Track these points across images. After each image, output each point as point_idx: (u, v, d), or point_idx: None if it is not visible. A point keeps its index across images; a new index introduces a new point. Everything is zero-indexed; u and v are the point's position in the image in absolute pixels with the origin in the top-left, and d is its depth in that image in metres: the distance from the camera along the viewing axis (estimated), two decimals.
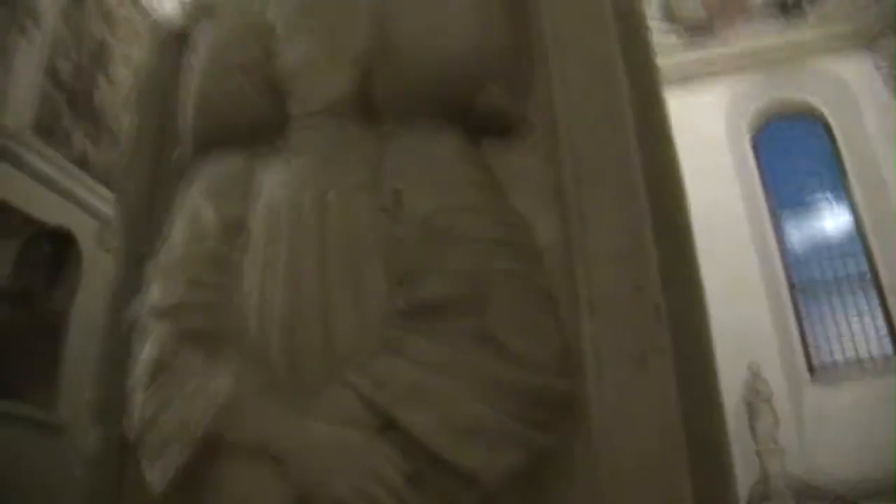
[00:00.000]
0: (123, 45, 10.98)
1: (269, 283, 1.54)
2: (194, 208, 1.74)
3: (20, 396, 8.30)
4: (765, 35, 13.18)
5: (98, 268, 9.03)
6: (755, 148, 12.75)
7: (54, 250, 9.11)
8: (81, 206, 9.41)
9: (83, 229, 9.35)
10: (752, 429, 10.01)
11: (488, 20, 1.74)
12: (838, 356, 11.30)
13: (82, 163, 9.69)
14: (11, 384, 8.27)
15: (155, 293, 1.66)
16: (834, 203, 12.60)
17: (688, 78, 12.32)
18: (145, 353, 1.61)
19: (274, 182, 1.67)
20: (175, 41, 2.20)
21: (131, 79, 10.81)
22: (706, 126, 11.91)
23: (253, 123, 1.85)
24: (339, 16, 1.82)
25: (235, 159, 1.80)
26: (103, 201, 9.54)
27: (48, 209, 8.87)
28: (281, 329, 1.50)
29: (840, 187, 12.50)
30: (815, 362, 11.21)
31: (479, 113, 1.68)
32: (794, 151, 12.79)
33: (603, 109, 1.66)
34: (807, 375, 10.99)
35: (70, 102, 9.78)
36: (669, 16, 13.77)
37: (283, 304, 1.51)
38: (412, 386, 1.39)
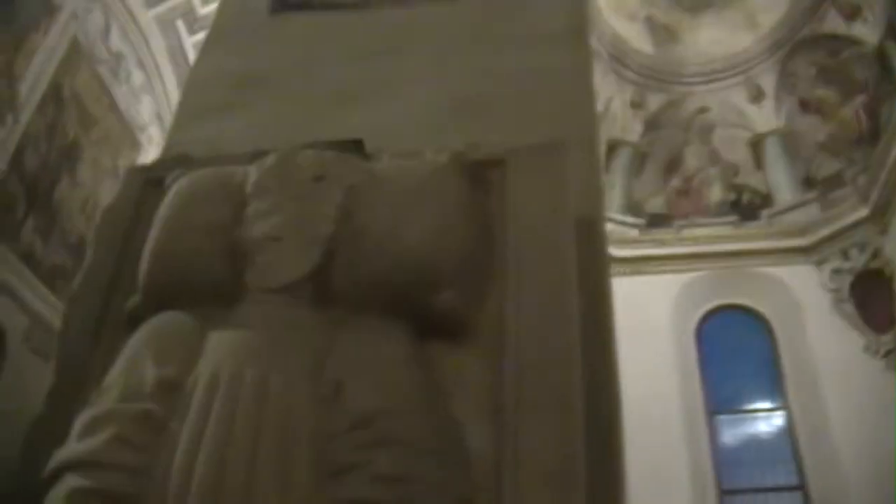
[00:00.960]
0: (95, 147, 11.05)
1: (197, 454, 1.51)
2: (135, 363, 1.71)
3: None
4: (719, 235, 13.66)
5: (22, 366, 8.78)
6: (698, 344, 12.96)
7: None
8: (16, 301, 9.21)
9: (14, 324, 9.12)
10: None
11: (452, 225, 1.80)
12: None
13: (27, 257, 9.55)
14: None
15: (77, 444, 1.61)
16: (770, 409, 12.72)
17: (643, 268, 12.66)
18: None
19: (219, 352, 1.66)
20: (147, 185, 2.22)
21: (95, 183, 10.84)
22: (653, 317, 12.14)
23: (210, 285, 1.86)
24: (312, 197, 1.87)
25: (184, 318, 1.79)
26: (40, 299, 9.37)
27: None
28: (200, 503, 1.46)
29: (776, 393, 12.67)
30: None
31: (430, 313, 1.71)
32: (735, 351, 13.00)
33: (552, 333, 1.70)
34: None
35: (28, 195, 9.73)
36: (632, 208, 14.25)
37: (207, 481, 1.47)
38: None
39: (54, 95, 10.25)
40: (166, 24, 12.35)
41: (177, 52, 12.42)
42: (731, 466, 12.11)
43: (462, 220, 1.82)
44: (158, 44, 12.35)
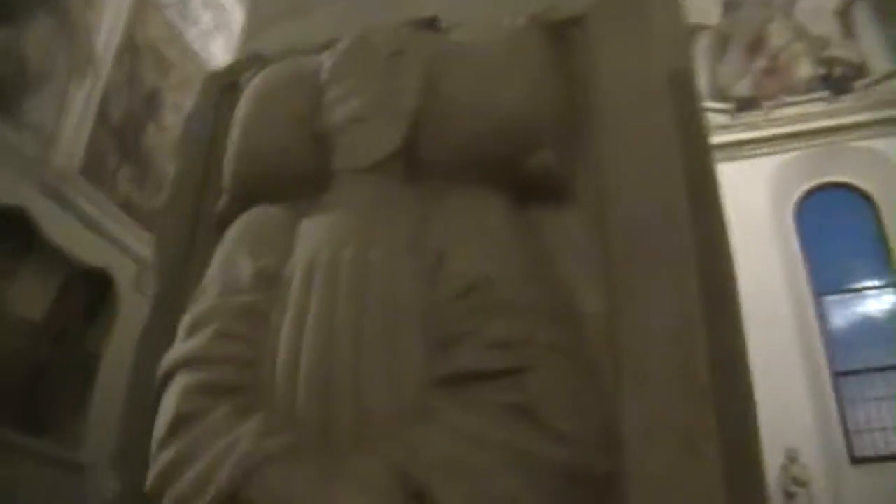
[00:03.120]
0: (175, 92, 11.21)
1: (302, 339, 1.49)
2: (231, 259, 1.70)
3: (48, 434, 8.33)
4: (811, 112, 13.14)
5: (135, 311, 9.10)
6: (799, 227, 12.60)
7: (93, 291, 9.20)
8: (122, 248, 9.55)
9: (122, 272, 9.46)
10: None
11: (541, 86, 1.71)
12: (880, 444, 10.97)
13: (126, 206, 9.86)
14: (41, 422, 8.31)
15: (184, 344, 1.62)
16: (879, 287, 12.36)
17: (735, 154, 12.29)
18: (170, 404, 1.56)
19: (314, 237, 1.63)
20: (224, 90, 2.20)
21: (180, 126, 11.02)
22: (750, 202, 11.82)
23: (296, 176, 1.83)
24: (390, 73, 1.80)
25: (276, 211, 1.77)
26: (144, 245, 9.66)
27: (90, 250, 8.99)
28: (311, 389, 1.45)
29: (885, 271, 12.28)
30: (856, 450, 10.89)
31: (527, 176, 1.64)
32: (838, 231, 12.62)
33: (656, 185, 1.62)
34: (847, 462, 10.66)
35: (118, 146, 9.98)
36: (719, 93, 13.81)
37: (315, 363, 1.45)
38: (447, 459, 1.32)
39: (129, 46, 10.40)
40: None
41: None
42: (842, 347, 11.86)
43: (548, 79, 1.73)
44: None
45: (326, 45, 2.02)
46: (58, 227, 8.49)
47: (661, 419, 1.41)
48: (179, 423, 1.51)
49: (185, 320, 1.66)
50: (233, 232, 1.78)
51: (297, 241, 1.65)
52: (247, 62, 2.21)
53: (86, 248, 8.95)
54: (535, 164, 1.63)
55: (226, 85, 2.20)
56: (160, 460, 1.52)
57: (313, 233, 1.64)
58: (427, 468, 1.32)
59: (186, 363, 1.58)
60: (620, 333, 1.49)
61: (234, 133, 1.95)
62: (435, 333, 1.45)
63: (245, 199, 1.86)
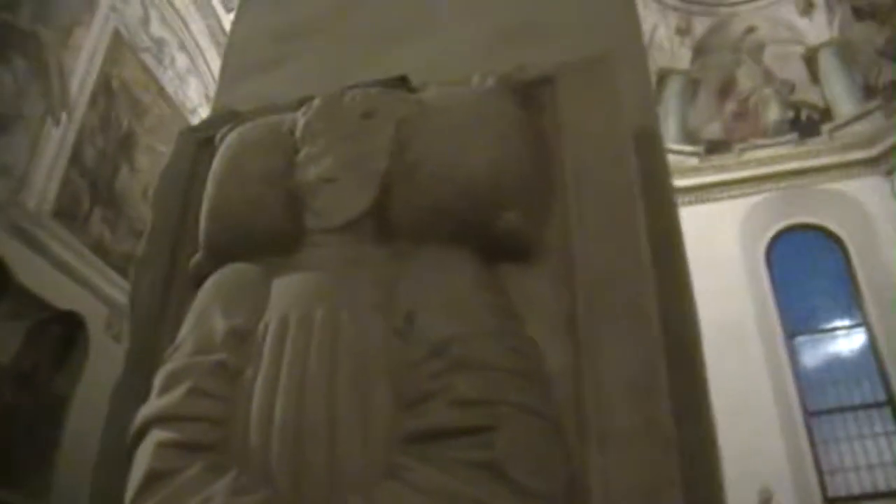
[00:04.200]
0: (149, 135, 11.25)
1: (275, 397, 1.52)
2: (204, 317, 1.73)
3: (15, 482, 8.20)
4: (781, 155, 13.37)
5: (105, 354, 9.05)
6: (769, 268, 12.76)
7: (63, 334, 9.12)
8: (93, 291, 9.50)
9: (93, 315, 9.41)
10: None
11: (510, 147, 1.76)
12: (854, 486, 11.04)
13: (98, 248, 9.83)
14: (8, 469, 8.18)
15: (158, 400, 1.64)
16: (849, 326, 12.51)
17: (705, 196, 12.47)
18: (143, 460, 1.57)
19: (287, 296, 1.66)
20: (200, 144, 2.23)
21: (153, 168, 11.03)
22: (721, 243, 11.99)
23: (269, 234, 1.86)
24: (363, 134, 1.85)
25: (248, 269, 1.80)
26: (115, 288, 9.64)
27: (61, 293, 8.93)
28: (283, 444, 1.47)
29: (855, 310, 12.45)
30: (829, 490, 10.94)
31: (496, 237, 1.68)
32: (808, 271, 12.80)
33: (619, 242, 1.66)
34: (820, 502, 10.71)
35: (91, 188, 9.97)
36: (689, 136, 14.03)
37: (288, 422, 1.48)
38: None
39: (104, 88, 10.44)
40: (203, 5, 12.47)
41: (216, 30, 12.54)
42: (815, 387, 11.97)
43: (517, 140, 1.78)
44: (198, 25, 12.48)
45: (301, 102, 2.06)
46: (29, 270, 8.44)
47: (624, 473, 1.44)
48: (153, 480, 1.52)
49: (159, 377, 1.68)
50: (206, 289, 1.81)
51: (270, 300, 1.68)
52: (221, 118, 2.25)
53: (57, 291, 8.89)
54: (503, 226, 1.67)
55: (201, 139, 2.23)
56: None
57: (285, 292, 1.67)
58: None
59: (159, 420, 1.60)
60: (584, 390, 1.52)
61: (209, 190, 1.98)
62: (405, 392, 1.48)
63: (219, 255, 1.89)
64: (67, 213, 9.40)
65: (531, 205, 1.73)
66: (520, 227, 1.68)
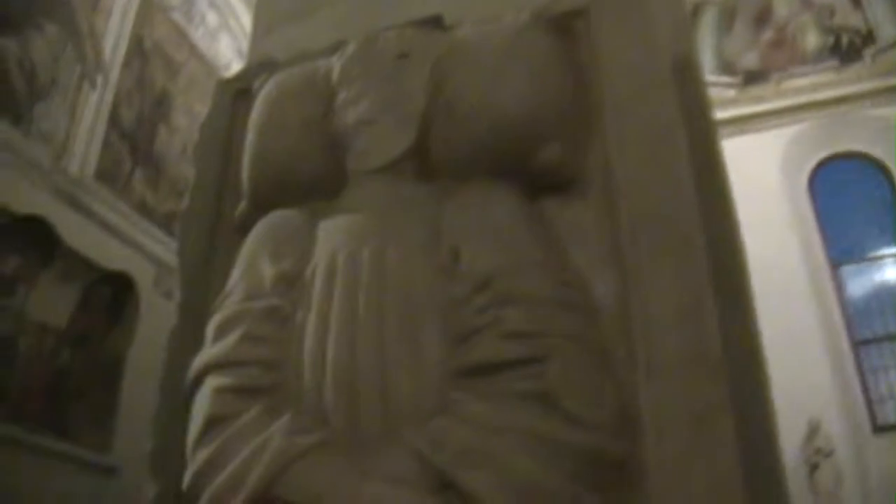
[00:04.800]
0: (184, 94, 11.28)
1: (326, 339, 1.55)
2: (252, 263, 1.76)
3: (76, 438, 8.44)
4: (821, 82, 13.06)
5: (155, 311, 9.21)
6: (812, 197, 12.55)
7: (114, 294, 9.29)
8: (140, 250, 9.63)
9: (142, 274, 9.55)
10: (813, 486, 9.71)
11: (546, 80, 1.75)
12: None
13: (142, 208, 9.94)
14: (68, 426, 8.41)
15: (212, 348, 1.68)
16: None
17: (744, 127, 12.25)
18: (202, 407, 1.62)
19: (332, 238, 1.68)
20: (237, 95, 2.25)
21: (190, 127, 11.10)
22: (762, 175, 11.78)
23: (311, 179, 1.88)
24: (399, 75, 1.85)
25: (294, 214, 1.82)
26: (161, 246, 9.76)
27: (108, 254, 9.08)
28: (337, 386, 1.50)
29: None
30: (879, 418, 10.88)
31: (536, 170, 1.68)
32: (852, 199, 12.56)
33: (662, 172, 1.65)
34: (870, 431, 10.65)
35: (131, 149, 10.06)
36: (726, 67, 13.75)
37: (340, 361, 1.51)
38: (469, 447, 1.37)
39: (137, 49, 10.45)
40: None
41: None
42: (861, 317, 11.83)
43: (553, 72, 1.77)
44: None
45: (335, 48, 2.06)
46: (76, 234, 8.57)
47: (674, 401, 1.45)
48: (212, 425, 1.57)
49: (212, 325, 1.72)
50: (253, 236, 1.84)
51: (316, 243, 1.71)
52: (258, 68, 2.26)
53: (105, 253, 9.03)
54: (543, 158, 1.67)
55: (238, 90, 2.25)
56: (196, 460, 1.58)
57: (331, 234, 1.70)
58: (452, 458, 1.37)
59: (215, 366, 1.64)
60: (632, 319, 1.53)
61: (249, 139, 2.00)
62: (454, 327, 1.50)
63: (263, 203, 1.91)
64: (110, 175, 9.50)
65: (570, 137, 1.73)
66: (559, 159, 1.68)
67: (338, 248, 1.64)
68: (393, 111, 1.80)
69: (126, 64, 10.18)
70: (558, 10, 1.89)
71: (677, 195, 1.64)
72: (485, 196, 1.66)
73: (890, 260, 12.38)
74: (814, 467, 9.90)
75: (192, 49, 11.69)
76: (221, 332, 1.68)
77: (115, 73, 9.91)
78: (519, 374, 1.42)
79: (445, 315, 1.52)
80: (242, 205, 1.98)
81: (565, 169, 1.70)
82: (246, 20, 12.44)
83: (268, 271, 1.71)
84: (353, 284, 1.57)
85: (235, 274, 1.79)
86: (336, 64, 1.97)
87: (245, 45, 12.07)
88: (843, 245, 12.33)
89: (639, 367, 1.50)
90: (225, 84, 2.37)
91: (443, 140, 1.76)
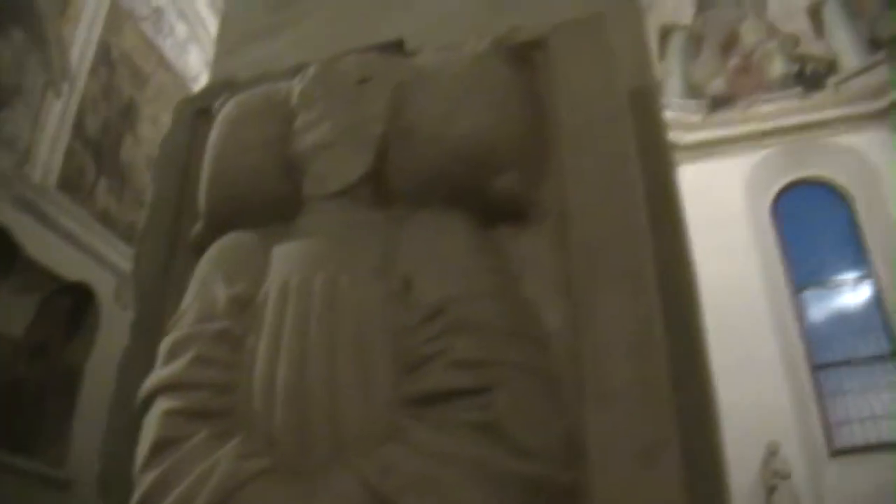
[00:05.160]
0: (151, 104, 11.23)
1: (277, 363, 1.54)
2: (206, 285, 1.75)
3: (31, 451, 8.31)
4: (785, 109, 13.28)
5: (115, 323, 9.12)
6: (775, 222, 12.74)
7: (73, 305, 9.19)
8: (101, 261, 9.56)
9: (102, 285, 9.47)
10: None
11: (504, 110, 1.76)
12: (859, 436, 11.11)
13: (104, 218, 9.86)
14: (23, 438, 8.29)
15: (163, 370, 1.67)
16: (855, 279, 12.50)
17: (710, 151, 12.42)
18: (151, 428, 1.61)
19: (286, 263, 1.68)
20: (198, 114, 2.24)
21: (157, 138, 11.04)
22: (727, 199, 11.96)
23: (268, 202, 1.88)
24: (359, 99, 1.86)
25: (249, 237, 1.82)
26: (123, 257, 9.68)
27: (69, 264, 8.98)
28: (287, 409, 1.50)
29: (861, 262, 12.43)
30: (836, 442, 11.02)
31: (492, 199, 1.69)
32: (814, 225, 12.76)
33: (615, 203, 1.67)
34: (826, 455, 10.79)
35: (96, 158, 9.98)
36: (693, 92, 13.93)
37: (290, 386, 1.51)
38: (416, 475, 1.38)
39: (104, 58, 10.40)
40: None
41: None
42: (821, 341, 12.00)
43: (511, 102, 1.79)
44: None
45: (297, 70, 2.07)
46: (37, 243, 8.48)
47: (621, 432, 1.46)
48: (161, 447, 1.56)
49: (164, 346, 1.71)
50: (207, 258, 1.83)
51: (270, 267, 1.70)
52: (219, 87, 2.26)
53: (65, 263, 8.95)
54: (500, 188, 1.68)
55: (199, 109, 2.24)
56: (143, 483, 1.56)
57: (285, 258, 1.69)
58: (399, 486, 1.37)
59: (166, 388, 1.63)
60: (582, 349, 1.54)
61: (207, 159, 1.99)
62: (404, 355, 1.50)
63: (219, 224, 1.91)
64: (72, 184, 9.42)
65: (526, 167, 1.74)
66: (515, 188, 1.69)
67: (291, 273, 1.64)
68: (351, 135, 1.81)
69: (92, 72, 10.13)
70: (518, 40, 1.91)
71: (629, 226, 1.66)
72: (439, 224, 1.67)
73: (850, 285, 12.57)
74: (771, 490, 10.01)
75: (161, 59, 11.65)
76: (173, 354, 1.67)
77: (81, 81, 9.85)
78: (467, 403, 1.43)
79: (397, 343, 1.52)
80: (198, 225, 1.97)
81: (521, 199, 1.71)
82: (215, 32, 12.42)
83: (221, 294, 1.70)
84: (305, 310, 1.57)
85: (189, 295, 1.79)
86: (297, 86, 1.97)
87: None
88: (804, 270, 12.51)
89: (587, 397, 1.51)
90: (186, 102, 2.36)
91: (400, 166, 1.77)
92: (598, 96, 1.82)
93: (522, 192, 1.71)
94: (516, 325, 1.54)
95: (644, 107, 2.05)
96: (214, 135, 2.02)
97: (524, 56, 1.90)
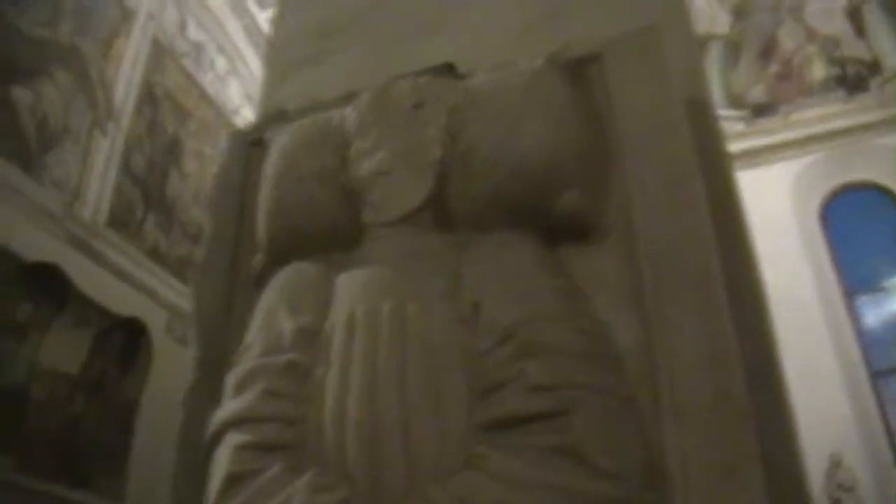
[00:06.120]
0: (194, 139, 11.39)
1: (347, 395, 1.53)
2: (271, 317, 1.74)
3: (90, 485, 8.41)
4: (829, 113, 13.08)
5: (167, 357, 9.23)
6: (824, 228, 12.52)
7: (126, 340, 9.31)
8: (152, 296, 9.68)
9: (154, 319, 9.58)
10: None
11: (563, 127, 1.74)
12: None
13: (154, 254, 10.00)
14: (83, 473, 8.39)
15: (231, 404, 1.66)
16: None
17: (754, 160, 12.25)
18: (222, 463, 1.59)
19: (351, 292, 1.67)
20: (251, 145, 2.25)
21: (201, 171, 11.20)
22: (774, 207, 11.76)
23: (327, 232, 1.87)
24: (414, 125, 1.85)
25: (311, 267, 1.81)
26: (173, 291, 9.81)
27: (120, 300, 9.11)
28: (359, 441, 1.48)
29: None
30: None
31: (555, 218, 1.67)
32: (864, 230, 12.51)
33: (679, 214, 1.64)
34: (892, 463, 10.51)
35: (143, 194, 10.14)
36: (734, 101, 13.79)
37: (362, 416, 1.49)
38: (495, 503, 1.35)
39: (147, 96, 10.59)
40: (238, 6, 12.58)
41: (253, 30, 12.65)
42: (878, 347, 11.72)
43: (569, 119, 1.76)
44: (234, 26, 12.59)
45: (348, 97, 2.07)
46: (89, 280, 8.61)
47: (701, 449, 1.42)
48: (233, 483, 1.54)
49: (231, 379, 1.70)
50: (270, 290, 1.82)
51: (335, 297, 1.69)
52: (271, 118, 2.27)
53: (117, 299, 9.07)
54: (562, 207, 1.66)
55: (252, 141, 2.25)
56: None
57: (350, 288, 1.68)
58: None
59: (235, 422, 1.62)
60: (656, 366, 1.51)
61: (264, 191, 1.99)
62: (476, 381, 1.48)
63: (280, 255, 1.90)
64: (122, 221, 9.57)
65: (589, 183, 1.72)
66: (579, 206, 1.66)
67: (356, 303, 1.63)
68: (409, 162, 1.80)
69: (137, 111, 10.31)
70: (572, 56, 1.89)
71: (696, 237, 1.63)
72: (504, 246, 1.65)
73: None
74: (836, 502, 9.76)
75: (202, 94, 11.83)
76: (240, 388, 1.66)
77: (126, 120, 10.03)
78: (544, 427, 1.40)
79: (467, 369, 1.50)
80: (258, 257, 1.97)
81: (585, 216, 1.68)
82: (254, 65, 12.60)
83: (287, 325, 1.69)
84: (373, 339, 1.56)
85: (253, 328, 1.78)
86: (350, 114, 1.97)
87: (254, 89, 12.25)
88: (856, 275, 12.26)
89: (664, 415, 1.47)
90: (238, 135, 2.37)
91: (460, 190, 1.75)
92: (656, 109, 1.79)
93: (586, 209, 1.68)
94: (588, 345, 1.51)
95: (700, 117, 2.02)
96: (270, 166, 2.02)
97: (579, 72, 1.88)
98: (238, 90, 12.71)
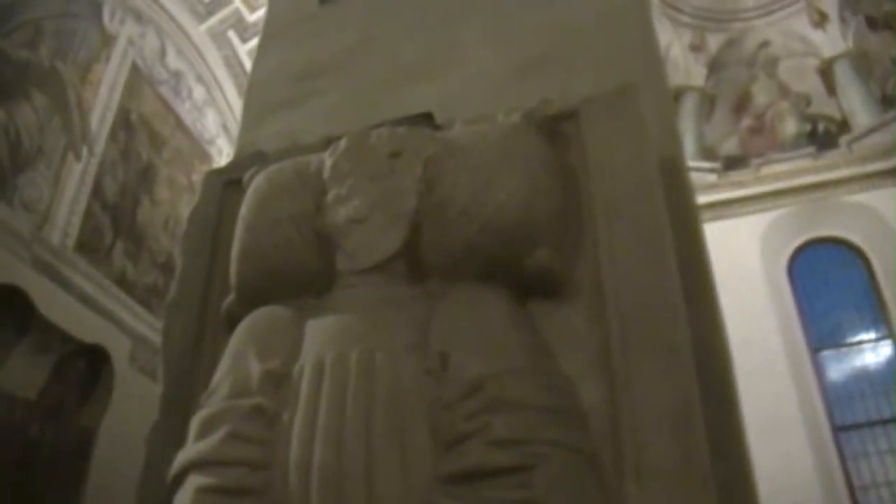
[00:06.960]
0: (168, 166, 11.33)
1: (313, 441, 1.52)
2: (239, 359, 1.74)
3: None
4: (799, 169, 13.29)
5: (130, 385, 9.10)
6: (791, 282, 12.65)
7: (88, 367, 9.17)
8: (117, 324, 9.55)
9: (117, 347, 9.45)
10: None
11: (537, 183, 1.77)
12: (886, 499, 10.88)
13: (121, 281, 9.88)
14: (37, 500, 8.21)
15: (195, 446, 1.64)
16: (875, 339, 12.36)
17: (724, 212, 12.40)
18: None
19: (321, 338, 1.67)
20: (227, 185, 2.25)
21: (173, 200, 11.14)
22: (742, 259, 11.90)
23: (300, 276, 1.87)
24: (391, 174, 1.86)
25: (282, 311, 1.81)
26: (139, 320, 9.69)
27: (84, 326, 8.97)
28: (323, 490, 1.47)
29: (880, 323, 12.30)
30: None
31: (527, 274, 1.68)
32: (831, 285, 12.66)
33: (649, 275, 1.66)
34: None
35: (113, 220, 10.04)
36: (706, 153, 13.98)
37: (326, 465, 1.48)
38: None
39: (123, 122, 10.54)
40: (218, 37, 12.57)
41: (233, 62, 12.65)
42: (842, 402, 11.82)
43: (544, 176, 1.79)
44: (214, 57, 12.58)
45: (326, 142, 2.08)
46: (53, 304, 8.49)
47: None
48: None
49: (196, 421, 1.69)
50: (240, 332, 1.82)
51: (304, 342, 1.69)
52: (248, 159, 2.27)
53: (81, 325, 8.94)
54: (533, 264, 1.67)
55: (228, 181, 2.25)
56: None
57: (320, 334, 1.68)
58: None
59: (198, 464, 1.60)
60: (621, 425, 1.52)
61: (238, 233, 1.99)
62: (442, 432, 1.49)
63: (251, 298, 1.90)
64: (90, 246, 9.47)
65: (561, 240, 1.74)
66: (550, 263, 1.68)
67: (326, 349, 1.63)
68: (384, 210, 1.81)
69: (112, 136, 10.24)
70: (549, 113, 1.92)
71: (665, 298, 1.65)
72: (474, 299, 1.66)
73: (869, 345, 12.43)
74: None
75: (178, 123, 11.79)
76: (206, 430, 1.65)
77: (100, 145, 9.96)
78: (507, 481, 1.40)
79: (434, 420, 1.50)
80: (230, 298, 1.97)
81: (556, 273, 1.70)
82: (232, 96, 12.60)
83: (255, 369, 1.68)
84: (341, 387, 1.56)
85: (221, 369, 1.77)
86: (327, 159, 1.98)
87: (230, 120, 12.24)
88: (822, 330, 12.38)
89: (627, 474, 1.48)
90: (214, 175, 2.38)
91: (433, 240, 1.77)
92: (631, 168, 1.82)
93: (557, 267, 1.70)
94: (554, 401, 1.52)
95: (673, 175, 2.05)
96: (245, 208, 2.03)
97: (556, 129, 1.91)
98: (215, 120, 12.69)
